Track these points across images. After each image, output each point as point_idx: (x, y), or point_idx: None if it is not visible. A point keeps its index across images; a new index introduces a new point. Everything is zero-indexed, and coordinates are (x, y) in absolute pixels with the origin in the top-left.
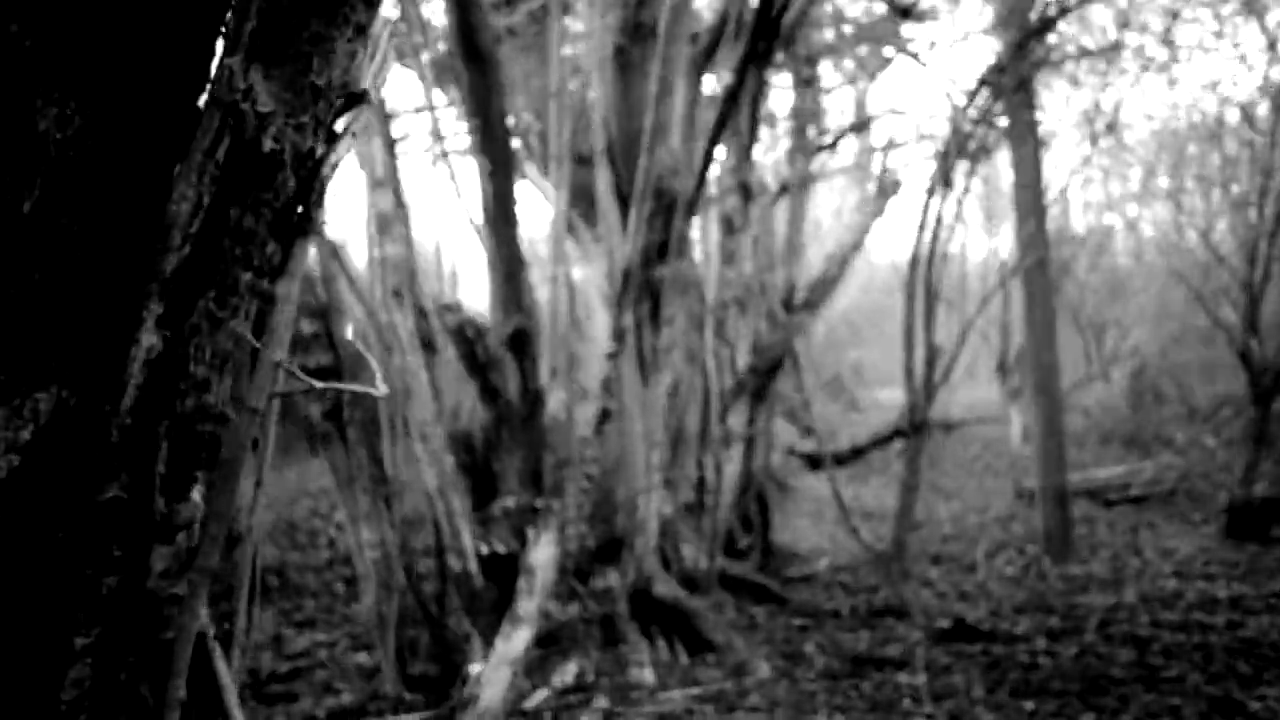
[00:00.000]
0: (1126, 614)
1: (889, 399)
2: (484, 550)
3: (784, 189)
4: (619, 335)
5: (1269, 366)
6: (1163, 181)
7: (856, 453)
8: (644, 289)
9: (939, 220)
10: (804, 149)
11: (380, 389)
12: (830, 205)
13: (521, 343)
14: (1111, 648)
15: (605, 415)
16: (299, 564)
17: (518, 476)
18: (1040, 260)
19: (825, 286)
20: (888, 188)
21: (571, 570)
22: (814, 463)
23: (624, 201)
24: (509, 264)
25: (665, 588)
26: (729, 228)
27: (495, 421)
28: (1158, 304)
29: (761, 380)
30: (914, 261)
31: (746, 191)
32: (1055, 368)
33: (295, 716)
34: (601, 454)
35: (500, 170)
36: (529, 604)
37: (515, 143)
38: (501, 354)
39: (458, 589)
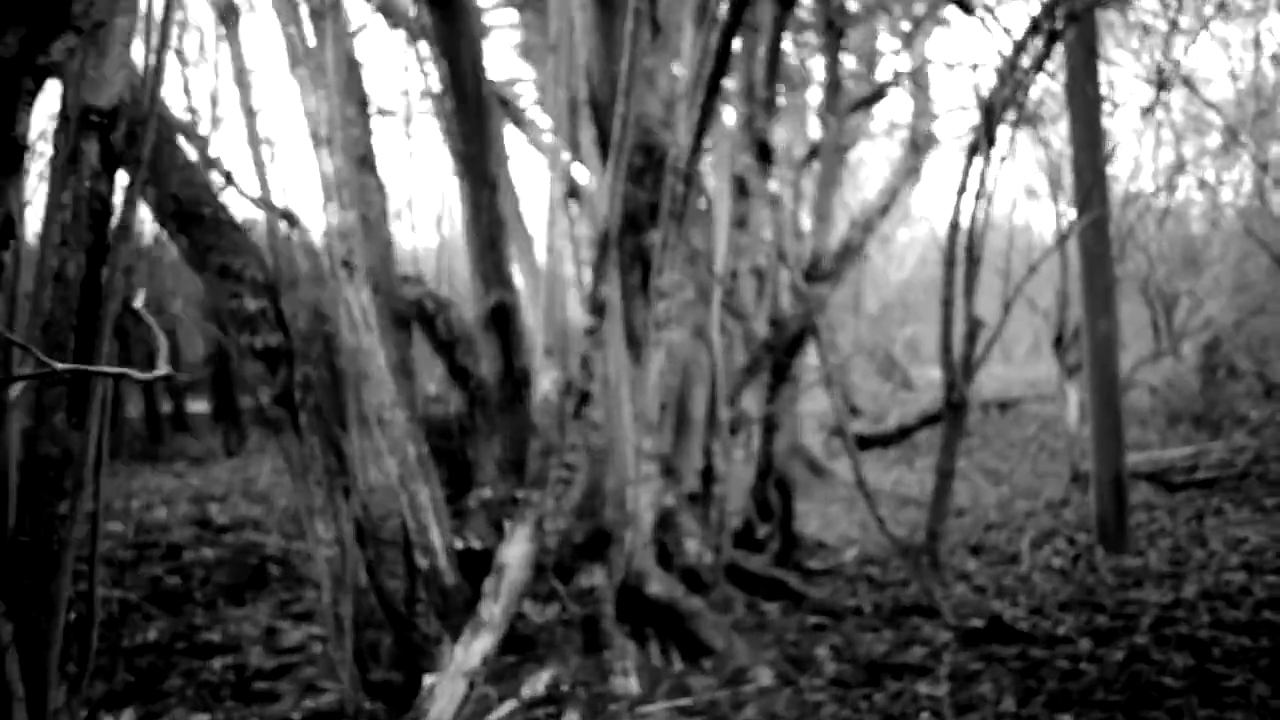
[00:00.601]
0: (1185, 612)
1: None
2: (459, 545)
3: (814, 153)
4: (597, 308)
5: None
6: (1246, 143)
7: (904, 433)
8: (633, 256)
9: (982, 181)
10: (836, 109)
11: (161, 370)
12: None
13: (503, 319)
14: (1166, 652)
15: (584, 398)
16: (303, 552)
17: (497, 465)
18: (1098, 222)
19: (847, 255)
20: (921, 143)
21: (551, 568)
22: (859, 443)
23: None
24: (488, 230)
25: (660, 586)
26: (742, 190)
27: (469, 405)
28: (1236, 274)
29: (781, 357)
30: (953, 227)
31: (764, 151)
32: (1113, 340)
33: (271, 718)
34: (586, 440)
35: (472, 127)
36: (493, 608)
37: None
38: (473, 331)
39: (426, 587)
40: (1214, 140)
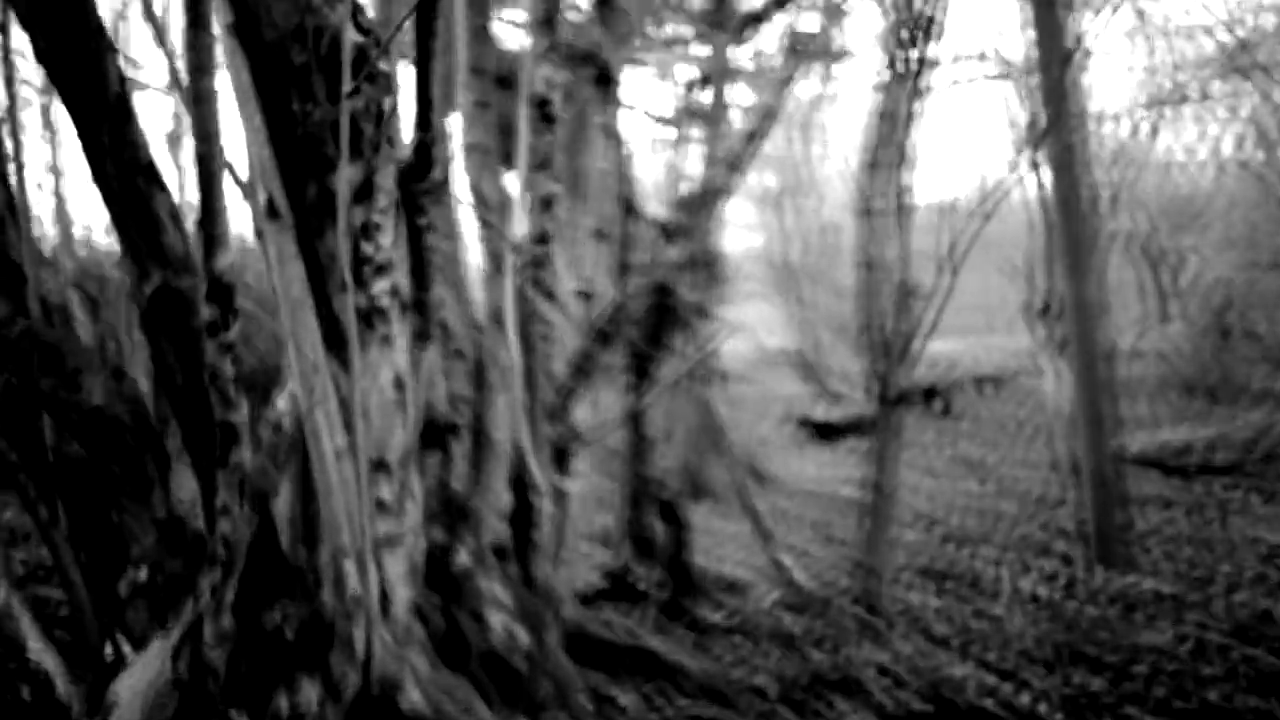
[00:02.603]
0: (1202, 664)
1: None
2: (108, 652)
3: (704, 80)
4: (216, 292)
5: None
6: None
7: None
8: (314, 209)
9: (908, 109)
10: (724, 23)
11: None
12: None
13: (164, 312)
14: None
15: (228, 431)
16: None
17: (161, 529)
18: (1067, 159)
19: (705, 202)
20: (803, 47)
21: (218, 692)
22: (824, 433)
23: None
24: (128, 176)
25: (423, 695)
26: (545, 117)
27: (95, 440)
28: (1245, 227)
29: (642, 348)
30: (870, 166)
31: (603, 75)
32: (1095, 306)
33: None
34: (246, 495)
35: (79, 63)
36: None
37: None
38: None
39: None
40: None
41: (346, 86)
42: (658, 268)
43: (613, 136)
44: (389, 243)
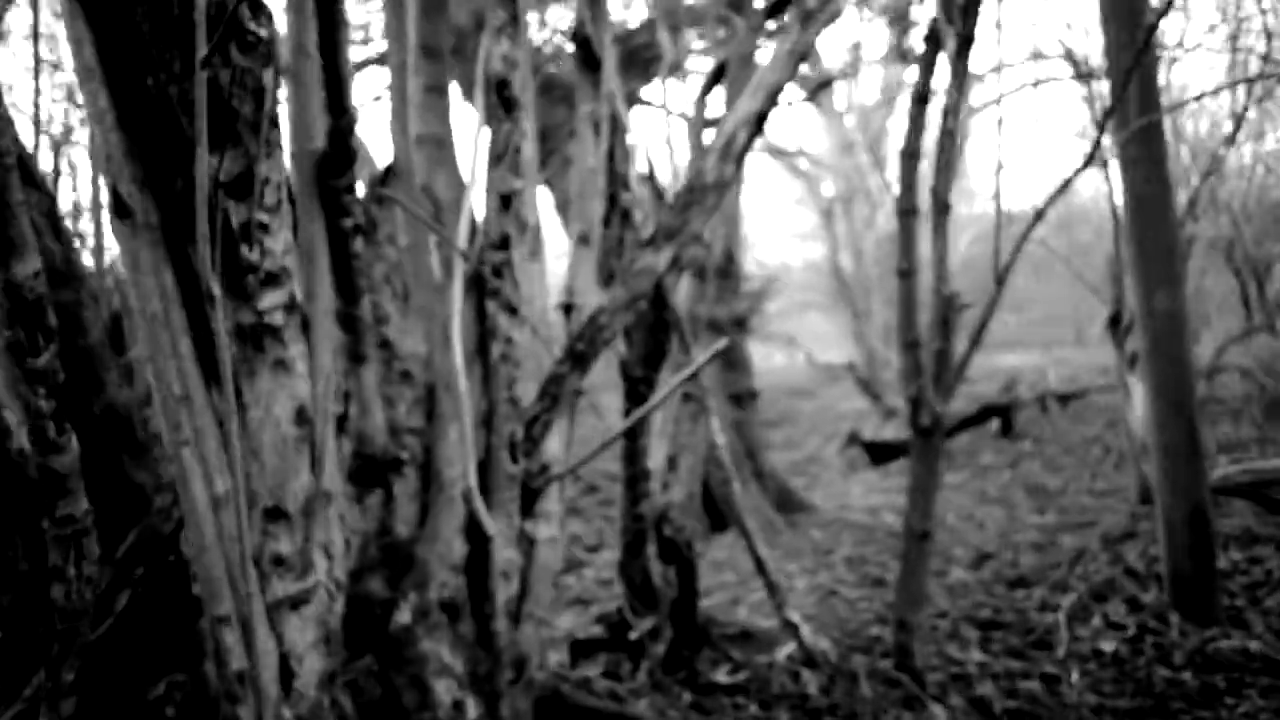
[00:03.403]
0: None
1: (1010, 365)
2: None
3: (719, 71)
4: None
5: None
6: None
7: None
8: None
9: (957, 88)
10: (744, 7)
11: None
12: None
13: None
14: None
15: (54, 482)
16: None
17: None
18: (1147, 145)
19: (697, 198)
20: (823, 10)
21: None
22: (876, 453)
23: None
24: None
25: None
26: (504, 102)
27: None
28: None
29: (635, 370)
30: (908, 156)
31: (588, 55)
32: (1169, 317)
33: None
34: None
35: None
36: None
37: None
38: None
39: None
40: None
41: (201, 51)
42: (639, 276)
43: (602, 127)
44: (281, 248)
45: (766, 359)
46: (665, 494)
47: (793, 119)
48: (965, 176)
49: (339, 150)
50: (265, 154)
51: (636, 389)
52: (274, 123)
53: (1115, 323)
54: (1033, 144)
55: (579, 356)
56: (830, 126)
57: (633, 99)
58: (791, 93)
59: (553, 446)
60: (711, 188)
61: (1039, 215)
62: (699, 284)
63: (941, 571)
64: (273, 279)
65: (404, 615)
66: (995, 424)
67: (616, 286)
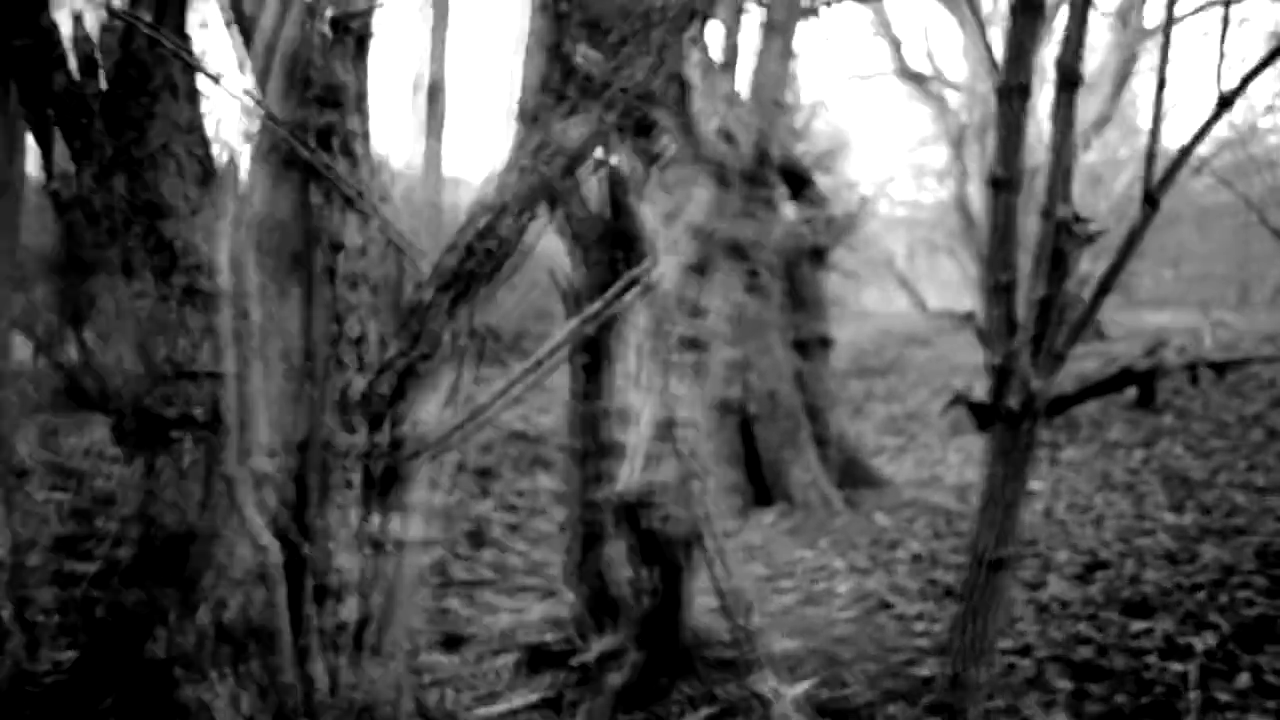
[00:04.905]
0: None
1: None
2: None
3: None
4: None
5: None
6: None
7: (1055, 407)
8: None
9: None
10: None
11: None
12: None
13: None
14: None
15: None
16: None
17: None
18: None
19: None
20: None
21: None
22: (982, 416)
23: None
24: None
25: None
26: None
27: None
28: None
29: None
30: (1019, 7)
31: None
32: None
33: None
34: None
35: None
36: None
37: None
38: None
39: None
40: None
41: None
42: (541, 154)
43: None
44: None
45: (885, 303)
46: (649, 471)
47: (930, 37)
48: (1133, 110)
49: None
50: None
51: (592, 340)
52: None
53: None
54: (1215, 75)
55: (458, 278)
56: (969, 43)
57: None
58: None
59: (425, 411)
60: (666, 11)
61: (1193, 145)
62: (719, 191)
63: (1035, 583)
64: None
65: (159, 645)
66: (1132, 392)
67: (507, 170)
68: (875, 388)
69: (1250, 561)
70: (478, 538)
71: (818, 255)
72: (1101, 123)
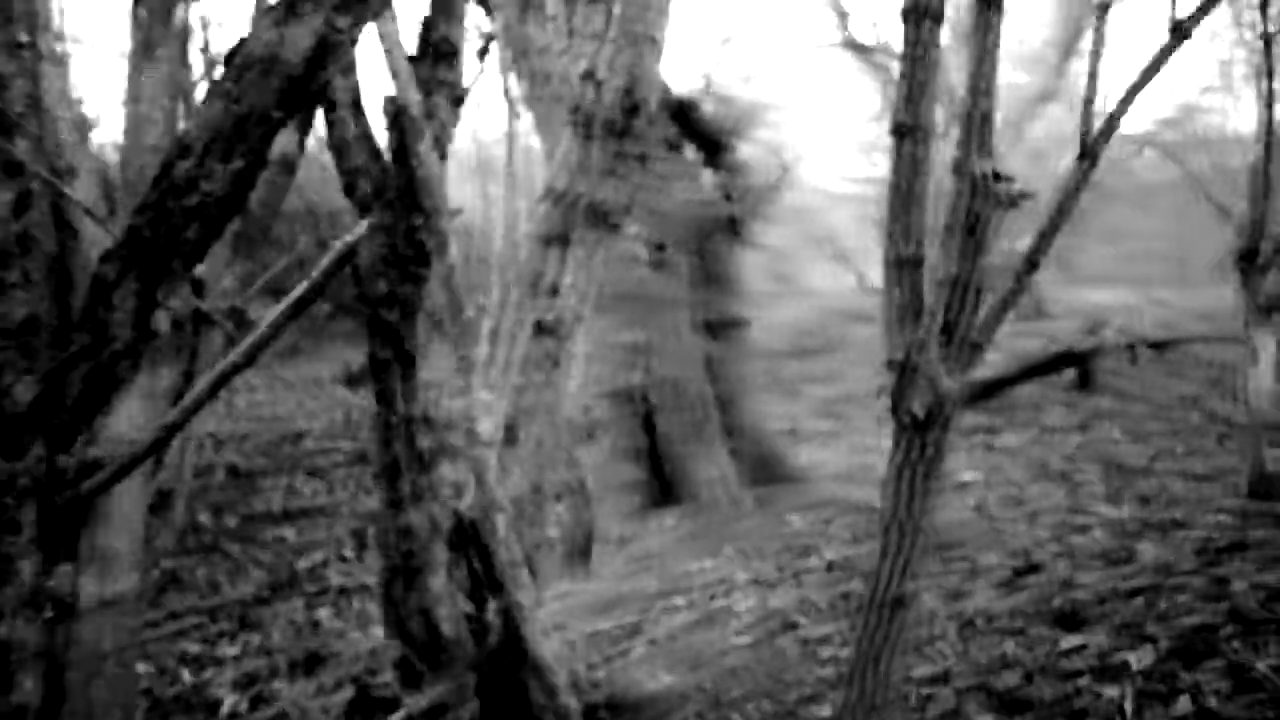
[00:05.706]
0: None
1: (1096, 302)
2: None
3: None
4: None
5: None
6: None
7: (989, 390)
8: None
9: None
10: None
11: None
12: None
13: None
14: None
15: None
16: None
17: None
18: None
19: None
20: None
21: None
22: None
23: None
24: None
25: None
26: None
27: None
28: None
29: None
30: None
31: None
32: None
33: None
34: None
35: None
36: None
37: None
38: None
39: None
40: None
41: None
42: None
43: None
44: None
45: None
46: (497, 485)
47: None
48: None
49: None
50: None
51: (377, 313)
52: None
53: (1248, 258)
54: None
55: (153, 246)
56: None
57: None
58: None
59: (127, 423)
60: None
61: (1156, 64)
62: (580, 145)
63: (960, 592)
64: None
65: None
66: (1071, 373)
67: (208, 101)
68: (814, 369)
69: (1189, 560)
70: (362, 538)
71: (733, 227)
72: (1046, 96)
